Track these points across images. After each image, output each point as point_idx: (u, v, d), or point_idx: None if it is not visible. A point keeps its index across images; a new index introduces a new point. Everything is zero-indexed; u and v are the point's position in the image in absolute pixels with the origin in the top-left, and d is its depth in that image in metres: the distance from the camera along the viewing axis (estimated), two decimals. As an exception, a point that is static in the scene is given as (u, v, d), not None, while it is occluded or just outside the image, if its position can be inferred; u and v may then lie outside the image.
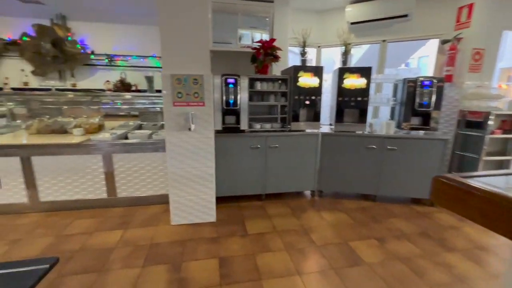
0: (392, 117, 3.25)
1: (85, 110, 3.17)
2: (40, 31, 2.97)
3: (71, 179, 2.72)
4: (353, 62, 3.18)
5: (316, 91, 2.91)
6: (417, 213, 2.85)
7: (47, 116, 3.15)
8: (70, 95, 3.01)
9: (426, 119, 2.92)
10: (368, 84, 2.85)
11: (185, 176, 2.41)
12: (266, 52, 2.86)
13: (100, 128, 3.25)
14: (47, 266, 0.67)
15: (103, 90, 3.14)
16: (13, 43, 2.93)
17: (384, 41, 3.70)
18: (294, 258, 2.04)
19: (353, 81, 2.86)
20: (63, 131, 3.06)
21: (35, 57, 2.98)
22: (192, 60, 2.24)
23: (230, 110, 2.75)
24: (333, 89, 3.07)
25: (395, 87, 3.15)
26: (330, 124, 3.35)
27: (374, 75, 3.02)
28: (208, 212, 2.55)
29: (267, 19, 3.29)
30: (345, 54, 3.01)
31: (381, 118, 3.78)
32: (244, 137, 2.83)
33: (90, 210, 2.77)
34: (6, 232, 2.33)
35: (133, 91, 3.20)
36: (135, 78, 3.24)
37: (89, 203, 2.80)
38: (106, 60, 3.13)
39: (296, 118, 2.95)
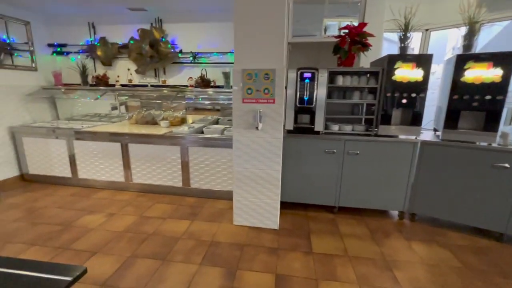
0: (544, 124, 2.22)
1: (172, 104, 3.50)
2: (143, 35, 3.36)
3: (155, 166, 3.04)
4: (478, 47, 2.32)
5: (418, 87, 2.25)
6: None
7: (144, 109, 3.64)
8: (161, 90, 3.34)
9: None
10: (506, 76, 2.00)
11: (250, 177, 2.29)
12: (353, 40, 2.39)
13: (182, 121, 3.53)
14: (70, 279, 0.59)
15: (186, 86, 3.35)
16: (123, 46, 3.44)
17: (538, 13, 2.55)
18: (369, 299, 1.62)
19: (480, 73, 2.06)
20: (154, 122, 3.47)
21: (138, 58, 3.43)
22: (265, 54, 2.05)
23: (304, 108, 2.45)
24: (445, 84, 2.32)
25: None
26: (435, 130, 2.58)
27: (517, 64, 2.10)
28: (270, 218, 2.37)
29: (359, 3, 2.76)
30: (469, 36, 2.20)
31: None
32: (319, 139, 2.49)
33: (168, 196, 3.04)
34: (107, 206, 2.80)
35: (212, 86, 3.30)
36: (214, 74, 3.34)
37: (168, 189, 3.08)
38: (191, 58, 3.32)
39: (386, 121, 2.38)
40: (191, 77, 3.37)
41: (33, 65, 3.56)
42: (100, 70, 3.72)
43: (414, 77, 2.24)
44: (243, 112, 2.17)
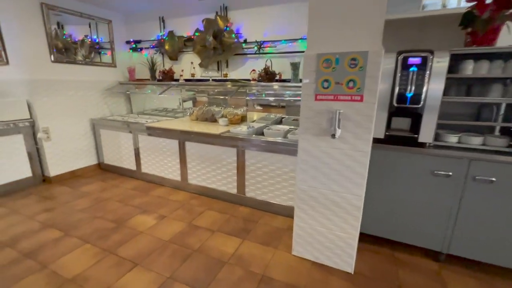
0: None
1: (233, 99, 3.18)
2: (207, 25, 3.13)
3: (210, 167, 2.77)
4: None
5: None
6: None
7: (206, 105, 3.45)
8: (222, 85, 3.05)
9: None
10: None
11: (317, 198, 1.72)
12: (501, 4, 1.51)
13: (242, 119, 3.18)
14: None
15: (249, 80, 2.96)
16: (189, 39, 3.28)
17: None
18: None
19: None
20: (214, 119, 3.22)
21: (202, 50, 3.22)
22: (352, 30, 1.43)
23: (404, 109, 1.72)
24: None
25: None
26: None
27: None
28: (343, 257, 1.75)
29: None
30: None
31: None
32: (424, 155, 1.71)
33: (221, 202, 2.75)
34: (160, 206, 2.68)
35: (277, 80, 2.81)
36: (280, 66, 2.84)
37: (222, 195, 2.78)
38: (256, 48, 2.91)
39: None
40: (254, 70, 2.96)
41: (113, 61, 3.79)
42: (167, 64, 3.71)
43: None
44: (315, 113, 1.61)
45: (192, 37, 3.34)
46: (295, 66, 2.70)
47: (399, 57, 1.66)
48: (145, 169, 3.29)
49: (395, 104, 1.72)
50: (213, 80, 3.29)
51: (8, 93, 3.12)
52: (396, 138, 1.80)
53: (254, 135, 2.52)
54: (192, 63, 3.43)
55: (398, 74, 1.67)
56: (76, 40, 3.47)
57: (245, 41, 3.09)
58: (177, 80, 3.52)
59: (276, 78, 2.87)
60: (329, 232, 1.75)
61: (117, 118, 3.59)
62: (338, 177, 1.63)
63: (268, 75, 2.79)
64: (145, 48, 3.76)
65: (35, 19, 2.89)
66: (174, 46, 3.52)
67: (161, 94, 3.22)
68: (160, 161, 3.12)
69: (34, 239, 2.09)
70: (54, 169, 3.22)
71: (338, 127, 1.51)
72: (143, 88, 3.83)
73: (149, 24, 3.69)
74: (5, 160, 2.86)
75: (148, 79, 3.75)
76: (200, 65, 3.40)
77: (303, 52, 1.78)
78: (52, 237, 2.11)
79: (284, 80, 2.89)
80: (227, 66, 3.29)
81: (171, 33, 3.50)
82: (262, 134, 2.58)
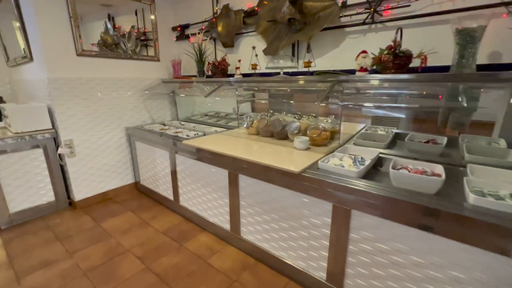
0: None
1: (321, 104, 1.94)
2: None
3: (278, 224, 1.60)
4: None
5: None
6: None
7: (270, 111, 2.28)
8: (301, 80, 1.83)
9: None
10: None
11: None
12: None
13: (332, 136, 1.90)
14: None
15: (350, 72, 1.66)
16: (250, 14, 2.17)
17: None
18: None
19: None
20: (284, 135, 2.03)
21: (269, 29, 2.08)
22: None
23: None
24: None
25: None
26: None
27: None
28: None
29: None
30: None
31: None
32: None
33: (294, 285, 1.55)
34: (193, 278, 1.64)
35: (411, 70, 1.45)
36: (420, 42, 1.42)
37: (297, 275, 1.58)
38: (367, 16, 1.58)
39: None
40: (364, 52, 1.63)
41: (156, 54, 2.98)
42: (220, 54, 2.69)
43: None
44: None
45: (256, 8, 2.21)
46: (466, 38, 1.28)
47: None
48: (184, 202, 2.34)
49: None
50: (284, 73, 2.09)
51: (35, 97, 2.57)
52: None
53: (370, 184, 1.22)
54: (254, 48, 2.30)
55: None
56: (125, 34, 2.81)
57: (343, 4, 1.79)
58: (231, 75, 2.45)
59: (409, 65, 1.49)
60: None
61: (155, 127, 2.75)
62: None
63: (397, 59, 1.43)
64: (193, 34, 2.80)
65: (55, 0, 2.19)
66: (229, 27, 2.46)
67: (207, 96, 2.18)
68: (203, 195, 2.11)
69: None
70: (80, 192, 2.55)
71: None
72: (188, 87, 2.92)
73: (199, 3, 2.73)
74: (21, 182, 2.27)
75: (195, 76, 2.80)
76: (266, 51, 2.25)
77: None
78: None
79: (425, 70, 1.49)
80: (308, 50, 2.04)
81: (226, 8, 2.44)
82: (376, 168, 1.27)
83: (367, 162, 1.39)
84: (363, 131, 1.97)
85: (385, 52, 1.46)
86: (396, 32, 1.43)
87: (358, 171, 1.29)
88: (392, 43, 1.45)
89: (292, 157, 1.59)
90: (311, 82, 1.84)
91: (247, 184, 1.72)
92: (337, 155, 1.52)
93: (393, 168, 1.28)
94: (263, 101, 2.61)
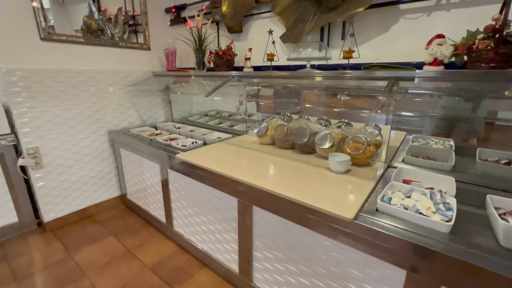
0: None
1: (371, 111, 1.46)
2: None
3: (311, 281, 1.14)
4: None
5: None
6: None
7: (288, 114, 1.78)
8: (336, 77, 1.33)
9: None
10: None
11: None
12: None
13: (376, 148, 1.41)
14: None
15: (409, 66, 1.16)
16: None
17: None
18: None
19: None
20: (311, 148, 1.54)
21: (289, 8, 1.56)
22: None
23: None
24: None
25: None
26: None
27: None
28: None
29: None
30: None
31: None
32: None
33: None
34: None
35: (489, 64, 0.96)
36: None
37: None
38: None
39: None
40: (440, 37, 1.13)
41: (146, 41, 2.45)
42: (225, 41, 2.17)
43: None
44: None
45: (273, -19, 1.69)
46: None
47: None
48: (178, 227, 1.86)
49: None
50: (311, 66, 1.58)
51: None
52: None
53: (473, 250, 0.75)
54: (271, 33, 1.76)
55: None
56: (111, 18, 2.29)
57: (400, -29, 1.28)
58: (239, 68, 1.95)
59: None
60: None
61: (144, 130, 2.25)
62: None
63: (504, 47, 0.94)
64: (191, 17, 2.27)
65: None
66: (237, 6, 1.94)
67: (209, 96, 1.67)
68: (203, 223, 1.63)
69: None
70: (49, 211, 2.07)
71: None
72: (185, 82, 2.41)
73: (199, -26, 2.20)
74: (-30, 202, 1.78)
75: (194, 68, 2.28)
76: (284, 38, 1.73)
77: None
78: None
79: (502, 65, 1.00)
80: (343, 37, 1.54)
81: (232, -18, 1.92)
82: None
83: (453, 203, 0.92)
84: (410, 142, 1.49)
85: (481, 35, 0.96)
86: (503, 7, 0.93)
87: (450, 224, 0.81)
88: (493, 22, 0.96)
89: (331, 188, 1.11)
90: (356, 79, 1.34)
91: (265, 220, 1.24)
92: (397, 185, 1.05)
93: (500, 215, 0.81)
94: (277, 101, 2.12)
